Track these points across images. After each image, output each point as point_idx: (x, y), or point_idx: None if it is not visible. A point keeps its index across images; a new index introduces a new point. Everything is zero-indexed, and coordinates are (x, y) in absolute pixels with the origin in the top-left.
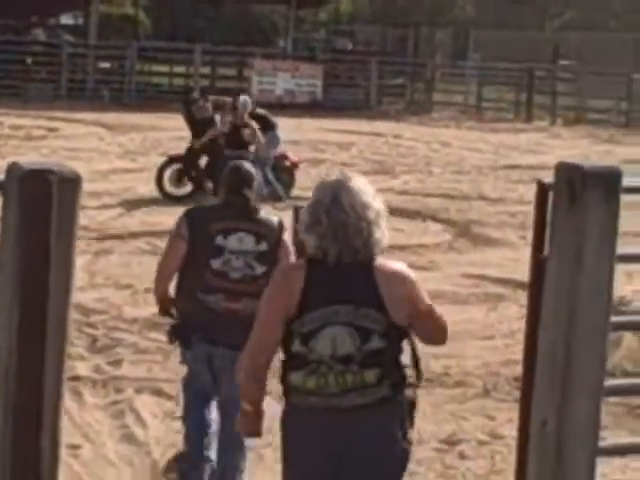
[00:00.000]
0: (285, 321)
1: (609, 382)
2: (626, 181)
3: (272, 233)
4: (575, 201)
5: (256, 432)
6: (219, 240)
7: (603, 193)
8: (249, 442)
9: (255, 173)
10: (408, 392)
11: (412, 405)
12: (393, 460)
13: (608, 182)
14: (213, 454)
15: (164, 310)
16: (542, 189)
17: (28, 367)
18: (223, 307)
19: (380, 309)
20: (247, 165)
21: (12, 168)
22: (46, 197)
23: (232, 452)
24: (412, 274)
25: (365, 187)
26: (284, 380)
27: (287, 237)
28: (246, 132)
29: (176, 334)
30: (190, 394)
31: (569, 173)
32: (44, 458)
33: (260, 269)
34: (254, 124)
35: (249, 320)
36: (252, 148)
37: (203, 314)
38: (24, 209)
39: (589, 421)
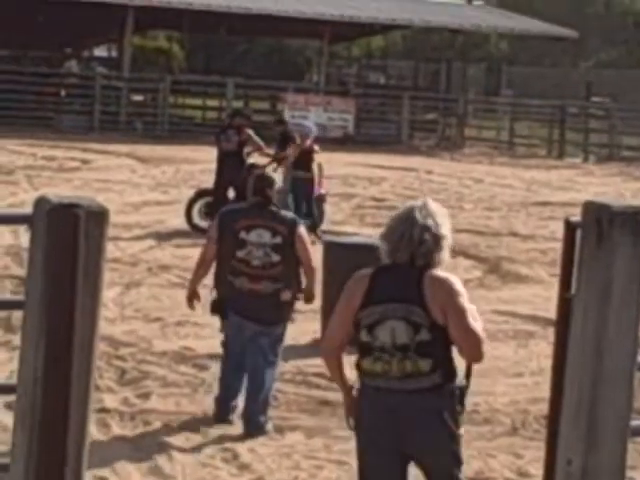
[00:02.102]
0: (353, 315)
1: (636, 422)
2: None
3: (286, 228)
4: (602, 240)
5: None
6: (242, 235)
7: (631, 232)
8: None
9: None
10: (458, 382)
11: (462, 392)
12: (443, 439)
13: (636, 221)
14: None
15: (190, 300)
16: (570, 228)
17: (54, 399)
18: (247, 288)
19: (424, 308)
20: (269, 172)
21: (40, 202)
22: (73, 231)
23: (254, 419)
24: (458, 285)
25: (439, 212)
26: (358, 365)
27: (302, 231)
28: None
29: (216, 308)
30: (224, 358)
31: (597, 212)
32: None
33: (276, 258)
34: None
35: (270, 299)
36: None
37: (233, 293)
38: (51, 243)
39: (615, 461)
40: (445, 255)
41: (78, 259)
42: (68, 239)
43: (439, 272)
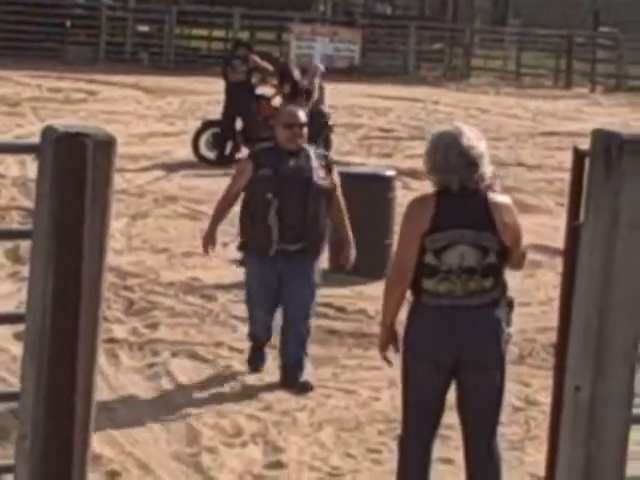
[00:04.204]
0: (420, 239)
1: None
2: None
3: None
4: (611, 168)
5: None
6: None
7: None
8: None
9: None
10: (509, 295)
11: (510, 305)
12: (500, 340)
13: None
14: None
15: (205, 245)
16: (578, 156)
17: (63, 328)
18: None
19: (494, 232)
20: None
21: (47, 131)
22: (81, 160)
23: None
24: (514, 209)
25: (474, 134)
26: (416, 285)
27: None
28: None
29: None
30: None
31: (605, 140)
32: (77, 419)
33: None
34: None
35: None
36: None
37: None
38: (59, 172)
39: (623, 388)
40: (488, 171)
41: (86, 188)
42: (76, 168)
43: (500, 197)
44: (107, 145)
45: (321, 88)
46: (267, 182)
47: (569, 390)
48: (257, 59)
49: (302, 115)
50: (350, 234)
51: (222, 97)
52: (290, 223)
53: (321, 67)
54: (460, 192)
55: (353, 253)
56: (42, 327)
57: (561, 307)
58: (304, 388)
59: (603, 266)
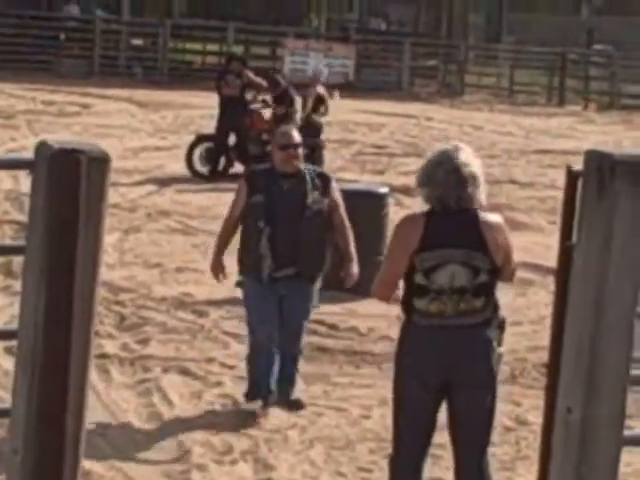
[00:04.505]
0: (408, 258)
1: (636, 371)
2: None
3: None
4: (604, 189)
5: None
6: None
7: (632, 182)
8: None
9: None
10: (500, 315)
11: (502, 325)
12: (491, 360)
13: (638, 171)
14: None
15: (215, 271)
16: (571, 176)
17: (55, 344)
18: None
19: (485, 253)
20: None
21: (41, 147)
22: (75, 177)
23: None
24: (504, 225)
25: (470, 154)
26: (407, 304)
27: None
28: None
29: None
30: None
31: (598, 161)
32: (68, 435)
33: None
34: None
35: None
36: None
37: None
38: (53, 188)
39: (615, 410)
40: (482, 194)
41: (80, 205)
42: (70, 185)
43: (491, 216)
44: (101, 161)
45: (321, 98)
46: (259, 209)
47: (561, 411)
48: (251, 74)
49: (297, 135)
50: (353, 251)
51: (216, 111)
52: (282, 249)
53: (325, 71)
54: (450, 210)
55: (356, 270)
56: (34, 343)
57: (553, 327)
58: (296, 406)
59: (596, 287)
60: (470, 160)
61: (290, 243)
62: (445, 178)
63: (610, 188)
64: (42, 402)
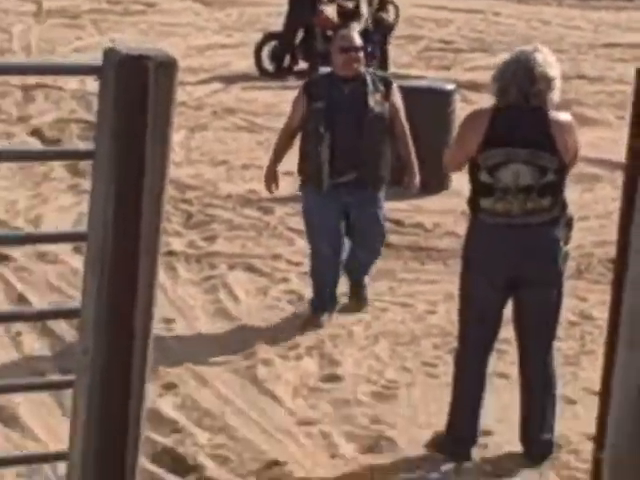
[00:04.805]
0: (474, 152)
1: None
2: None
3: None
4: None
5: None
6: None
7: None
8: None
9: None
10: (568, 214)
11: (570, 224)
12: (557, 258)
13: None
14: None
15: (268, 182)
16: None
17: (123, 244)
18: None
19: (553, 152)
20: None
21: (109, 52)
22: (143, 83)
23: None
24: (575, 124)
25: (549, 55)
26: (474, 203)
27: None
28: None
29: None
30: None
31: None
32: (137, 333)
33: None
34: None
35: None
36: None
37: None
38: (120, 95)
39: None
40: (556, 96)
41: (148, 111)
42: (137, 91)
43: (562, 115)
44: (169, 66)
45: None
46: (320, 115)
47: (627, 306)
48: None
49: (357, 38)
50: (415, 160)
51: (282, 9)
52: (344, 154)
53: None
54: (516, 106)
55: (418, 179)
56: (103, 243)
57: (621, 223)
58: (362, 302)
59: None
60: (547, 61)
61: (351, 148)
62: (516, 72)
63: None
64: (111, 301)
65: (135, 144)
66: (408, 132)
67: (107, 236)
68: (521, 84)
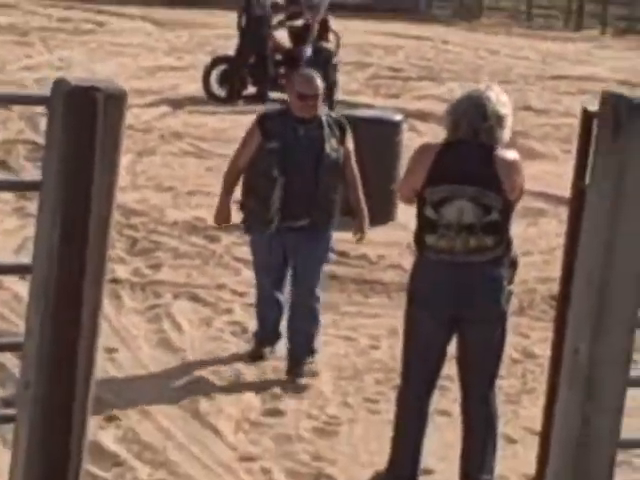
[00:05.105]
0: (420, 188)
1: None
2: None
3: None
4: (619, 131)
5: None
6: None
7: None
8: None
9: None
10: (513, 253)
11: (514, 263)
12: (500, 298)
13: None
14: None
15: (219, 217)
16: (587, 117)
17: (69, 276)
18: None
19: (498, 192)
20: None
21: (58, 84)
22: (91, 115)
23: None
24: (521, 164)
25: (500, 94)
26: (419, 239)
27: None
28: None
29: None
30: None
31: (615, 102)
32: (80, 365)
33: None
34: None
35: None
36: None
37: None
38: (69, 126)
39: (622, 351)
40: (506, 134)
41: (96, 143)
42: (86, 123)
43: (508, 153)
44: (118, 99)
45: (325, 22)
46: (273, 157)
47: (568, 350)
48: None
49: (318, 84)
50: (364, 207)
51: (231, 31)
52: (296, 200)
53: (326, 1)
54: (466, 142)
55: (367, 227)
56: (48, 274)
57: (563, 267)
58: (308, 373)
59: (607, 227)
60: (498, 99)
61: (306, 193)
62: (468, 109)
63: (626, 130)
64: (55, 335)
65: (83, 176)
66: (359, 178)
67: (52, 267)
68: (472, 120)
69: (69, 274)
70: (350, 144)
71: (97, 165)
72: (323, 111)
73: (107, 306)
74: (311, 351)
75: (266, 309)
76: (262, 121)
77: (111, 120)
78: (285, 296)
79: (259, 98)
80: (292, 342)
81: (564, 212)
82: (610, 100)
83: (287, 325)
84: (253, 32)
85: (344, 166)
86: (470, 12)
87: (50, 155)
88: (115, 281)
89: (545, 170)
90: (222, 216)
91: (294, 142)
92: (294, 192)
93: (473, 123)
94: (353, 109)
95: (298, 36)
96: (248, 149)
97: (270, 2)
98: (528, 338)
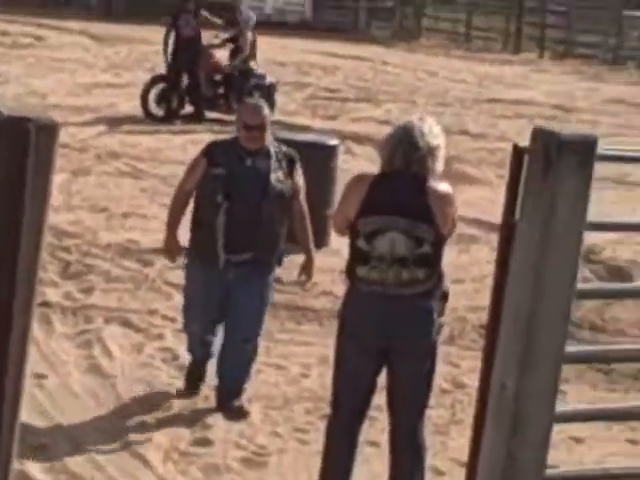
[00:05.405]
0: (353, 219)
1: (570, 348)
2: (601, 149)
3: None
4: (549, 167)
5: None
6: None
7: (578, 161)
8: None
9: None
10: (444, 286)
11: (445, 296)
12: (430, 331)
13: (583, 150)
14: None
15: (169, 251)
16: (518, 153)
17: None
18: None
19: (431, 225)
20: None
21: None
22: (23, 145)
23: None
24: (452, 192)
25: (434, 126)
26: (351, 270)
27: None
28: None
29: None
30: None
31: (545, 139)
32: (7, 392)
33: None
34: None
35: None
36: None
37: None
38: (1, 157)
39: (548, 387)
40: (439, 166)
41: (27, 173)
42: (17, 153)
43: (440, 185)
44: (50, 130)
45: (254, 42)
46: (219, 183)
47: (495, 385)
48: (206, 14)
49: (264, 114)
50: (312, 247)
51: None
52: (240, 230)
53: (253, 17)
54: (401, 173)
55: (313, 266)
56: None
57: (492, 302)
58: (238, 414)
59: (536, 264)
60: (431, 130)
61: (248, 223)
62: (401, 140)
63: (555, 166)
64: None
65: (13, 205)
66: (307, 214)
67: None
68: (405, 151)
69: None
70: (300, 178)
71: (28, 195)
72: (272, 143)
73: (37, 331)
74: (239, 392)
75: (198, 353)
76: (209, 149)
77: (43, 151)
78: (218, 337)
79: (196, 118)
80: (221, 384)
81: (496, 239)
82: (540, 136)
83: (217, 364)
84: (182, 52)
85: (292, 200)
86: (409, 33)
87: None
88: (46, 304)
89: (479, 196)
90: (171, 252)
91: (240, 171)
92: (237, 220)
93: (406, 154)
94: (290, 131)
95: (233, 52)
96: (193, 176)
97: (196, 23)
98: (458, 367)
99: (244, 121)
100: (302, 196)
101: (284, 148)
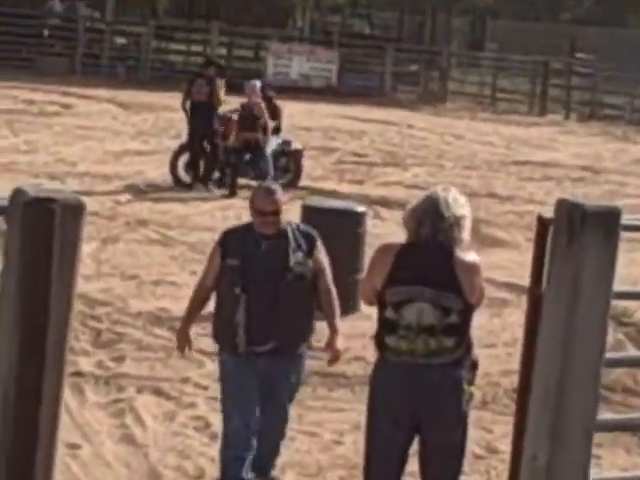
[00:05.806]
0: (380, 288)
1: (602, 417)
2: (625, 219)
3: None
4: (574, 239)
5: None
6: None
7: (602, 232)
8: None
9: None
10: (473, 355)
11: (475, 365)
12: (460, 401)
13: (608, 222)
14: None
15: (181, 345)
16: (542, 224)
17: (27, 392)
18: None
19: (458, 294)
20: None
21: (16, 194)
22: (48, 226)
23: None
24: (479, 262)
25: (460, 196)
26: (380, 340)
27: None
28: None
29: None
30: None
31: (569, 210)
32: (39, 460)
33: None
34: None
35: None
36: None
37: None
38: (26, 237)
39: (580, 457)
40: (466, 235)
41: (53, 253)
42: (43, 234)
43: (467, 255)
44: (76, 210)
45: (275, 107)
46: (234, 274)
47: (526, 458)
48: (219, 84)
49: (278, 199)
50: (338, 325)
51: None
52: (260, 320)
53: (257, 84)
54: (425, 244)
55: (340, 345)
56: (7, 384)
57: (521, 371)
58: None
59: (564, 335)
60: (456, 200)
61: (269, 313)
62: (427, 210)
63: (580, 237)
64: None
65: (40, 286)
66: (334, 292)
67: (10, 379)
68: (432, 221)
69: (28, 387)
70: (322, 256)
71: (55, 275)
72: (290, 223)
73: (70, 400)
74: (272, 467)
75: (234, 452)
76: (224, 238)
77: (68, 231)
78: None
79: (225, 184)
80: (254, 463)
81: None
82: (565, 208)
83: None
84: (197, 118)
85: (316, 280)
86: (435, 96)
87: (9, 264)
88: (79, 374)
89: (508, 258)
90: (182, 343)
91: (256, 259)
92: (257, 310)
93: (432, 224)
94: (317, 200)
95: (245, 120)
96: (212, 269)
97: (209, 89)
98: (491, 433)
99: (257, 207)
100: (327, 274)
101: (302, 227)
